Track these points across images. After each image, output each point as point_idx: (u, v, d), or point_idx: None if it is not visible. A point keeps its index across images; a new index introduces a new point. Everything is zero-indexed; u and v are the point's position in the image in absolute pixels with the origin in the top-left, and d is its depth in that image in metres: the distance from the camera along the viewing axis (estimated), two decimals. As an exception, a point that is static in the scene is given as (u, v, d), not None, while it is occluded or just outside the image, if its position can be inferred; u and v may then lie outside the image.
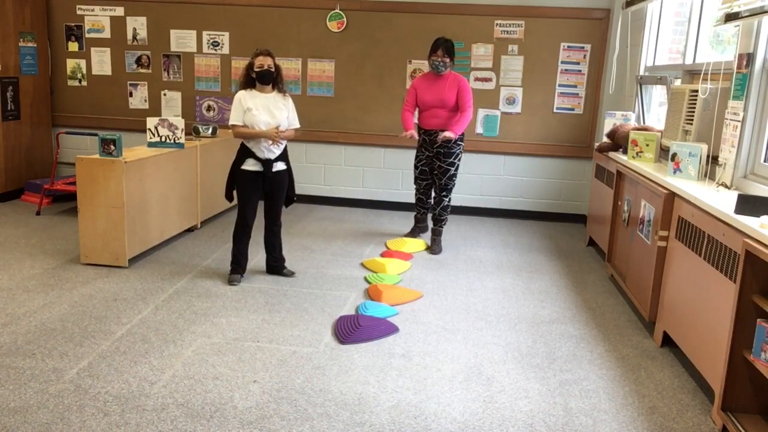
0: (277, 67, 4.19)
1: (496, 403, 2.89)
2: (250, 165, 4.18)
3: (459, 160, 5.22)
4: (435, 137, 5.09)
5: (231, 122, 4.17)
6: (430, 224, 5.57)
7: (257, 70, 4.12)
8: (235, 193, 4.29)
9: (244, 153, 4.19)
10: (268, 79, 4.16)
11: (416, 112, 5.25)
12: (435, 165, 5.23)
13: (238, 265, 4.31)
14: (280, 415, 2.72)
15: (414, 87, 5.20)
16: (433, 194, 5.42)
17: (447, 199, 5.29)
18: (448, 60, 5.00)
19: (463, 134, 5.15)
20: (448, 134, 4.92)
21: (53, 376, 2.95)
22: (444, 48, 4.96)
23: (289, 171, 4.34)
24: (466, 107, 5.02)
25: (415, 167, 5.39)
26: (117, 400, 2.76)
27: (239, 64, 6.53)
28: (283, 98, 4.25)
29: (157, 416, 2.66)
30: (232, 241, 4.32)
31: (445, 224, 5.39)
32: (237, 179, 4.22)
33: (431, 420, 2.73)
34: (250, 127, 4.12)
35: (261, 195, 4.28)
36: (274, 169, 4.21)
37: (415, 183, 5.47)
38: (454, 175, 5.22)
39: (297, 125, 4.35)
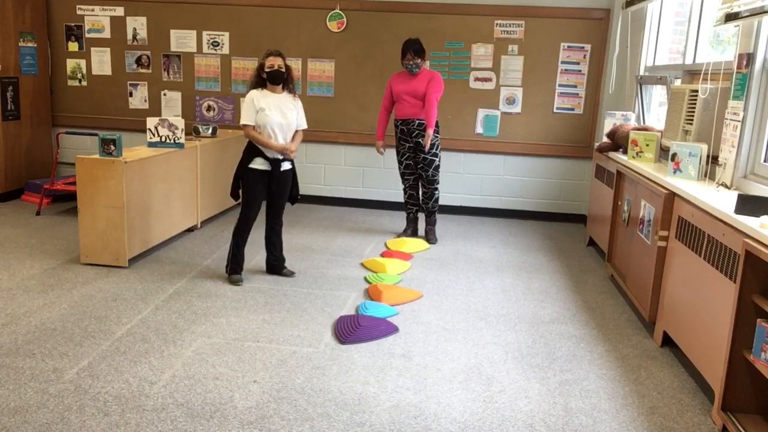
0: (287, 67, 4.19)
1: (496, 403, 2.89)
2: (258, 164, 4.18)
3: (439, 150, 5.45)
4: (412, 127, 5.31)
5: (243, 122, 4.15)
6: (422, 221, 5.74)
7: (268, 70, 4.12)
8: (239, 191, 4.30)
9: (253, 152, 4.18)
10: (279, 80, 4.16)
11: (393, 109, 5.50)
12: (419, 158, 5.40)
13: (238, 265, 4.31)
14: (280, 415, 2.72)
15: (389, 84, 5.43)
16: (421, 189, 5.57)
17: (437, 192, 5.54)
18: (419, 60, 5.24)
19: (438, 126, 5.39)
20: (429, 133, 5.19)
21: (53, 376, 2.95)
22: (413, 50, 5.22)
23: (293, 170, 4.35)
24: (430, 97, 5.20)
25: (400, 162, 5.53)
26: (117, 400, 2.76)
27: (239, 64, 6.53)
28: (293, 99, 4.26)
29: (157, 416, 2.66)
30: (234, 240, 4.30)
31: (436, 212, 5.66)
32: (244, 177, 4.22)
33: (431, 420, 2.73)
34: (262, 126, 4.12)
35: (264, 194, 4.29)
36: (281, 169, 4.22)
37: (402, 180, 5.59)
38: (439, 165, 5.45)
39: (305, 126, 4.36)
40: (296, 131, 4.30)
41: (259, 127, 4.14)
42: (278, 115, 4.15)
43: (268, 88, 4.19)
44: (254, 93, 4.17)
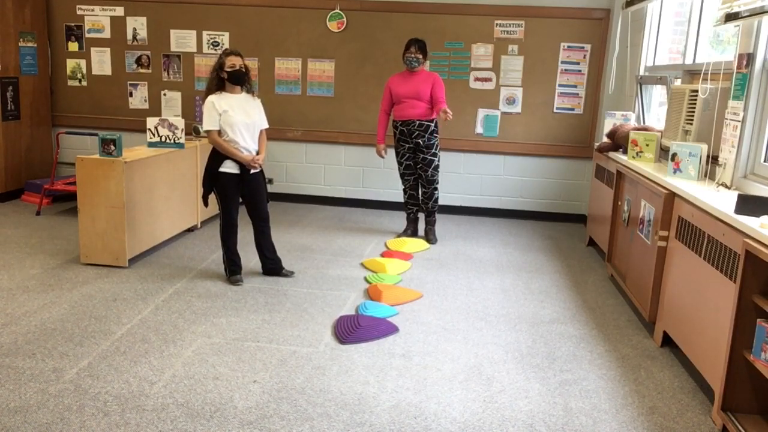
0: (246, 67, 4.13)
1: (496, 403, 2.89)
2: (229, 167, 4.13)
3: (439, 150, 5.47)
4: (412, 128, 5.30)
5: (206, 128, 4.08)
6: (422, 222, 5.74)
7: (229, 70, 4.04)
8: (212, 197, 4.26)
9: (221, 155, 4.13)
10: (240, 80, 4.10)
11: (392, 111, 5.49)
12: (419, 158, 5.41)
13: (236, 265, 4.31)
14: (280, 415, 2.72)
15: (388, 87, 5.43)
16: (420, 190, 5.57)
17: (437, 192, 5.56)
18: (421, 56, 5.27)
19: (437, 126, 5.41)
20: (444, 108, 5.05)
21: (53, 376, 2.95)
22: (417, 46, 5.26)
23: (262, 171, 4.32)
24: (441, 101, 5.23)
25: (399, 163, 5.54)
26: (117, 400, 2.76)
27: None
28: (252, 99, 4.22)
29: (157, 416, 2.66)
30: (224, 244, 4.28)
31: (436, 212, 5.66)
32: (216, 182, 4.16)
33: (431, 420, 2.73)
34: (228, 128, 4.07)
35: (239, 195, 4.25)
36: (252, 172, 4.20)
37: (402, 180, 5.60)
38: (438, 165, 5.47)
39: (267, 125, 4.32)
40: (261, 132, 4.26)
41: (225, 131, 4.07)
42: (243, 115, 4.10)
43: (226, 89, 4.11)
44: (213, 97, 4.07)
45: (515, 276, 4.74)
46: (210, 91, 4.12)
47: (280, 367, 3.14)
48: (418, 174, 5.48)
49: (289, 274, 4.47)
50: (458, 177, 6.63)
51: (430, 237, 5.56)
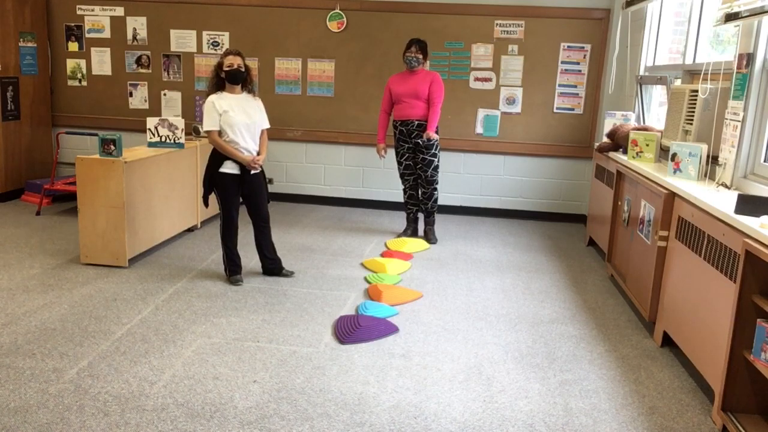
0: (246, 67, 4.13)
1: (496, 403, 2.89)
2: (229, 167, 4.13)
3: (439, 150, 5.47)
4: (411, 127, 5.32)
5: (206, 128, 4.08)
6: (421, 222, 5.74)
7: (227, 69, 4.05)
8: (212, 197, 4.26)
9: (222, 156, 4.13)
10: (238, 79, 4.09)
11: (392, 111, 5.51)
12: (419, 158, 5.42)
13: (236, 265, 4.31)
14: (280, 415, 2.72)
15: (388, 86, 5.45)
16: (420, 190, 5.57)
17: (436, 192, 5.55)
18: (421, 57, 5.29)
19: (437, 127, 5.41)
20: (429, 134, 5.22)
21: (53, 376, 2.95)
22: (417, 46, 5.29)
23: (262, 171, 4.32)
24: (435, 101, 5.28)
25: (399, 163, 5.55)
26: (117, 400, 2.76)
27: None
28: (253, 99, 4.22)
29: (157, 416, 2.66)
30: (225, 244, 4.28)
31: (435, 212, 5.67)
32: (217, 182, 4.16)
33: (431, 420, 2.73)
34: (228, 128, 4.07)
35: (239, 195, 4.25)
36: (252, 172, 4.20)
37: (402, 180, 5.60)
38: (438, 165, 5.47)
39: (268, 126, 4.33)
40: (262, 132, 4.26)
41: (226, 131, 4.08)
42: (243, 116, 4.10)
43: (226, 89, 4.11)
44: (213, 97, 4.08)
45: (515, 276, 4.74)
46: (210, 90, 4.13)
47: (280, 367, 3.14)
48: (418, 174, 5.49)
49: (289, 274, 4.47)
50: (458, 177, 6.63)
51: (429, 237, 5.56)
